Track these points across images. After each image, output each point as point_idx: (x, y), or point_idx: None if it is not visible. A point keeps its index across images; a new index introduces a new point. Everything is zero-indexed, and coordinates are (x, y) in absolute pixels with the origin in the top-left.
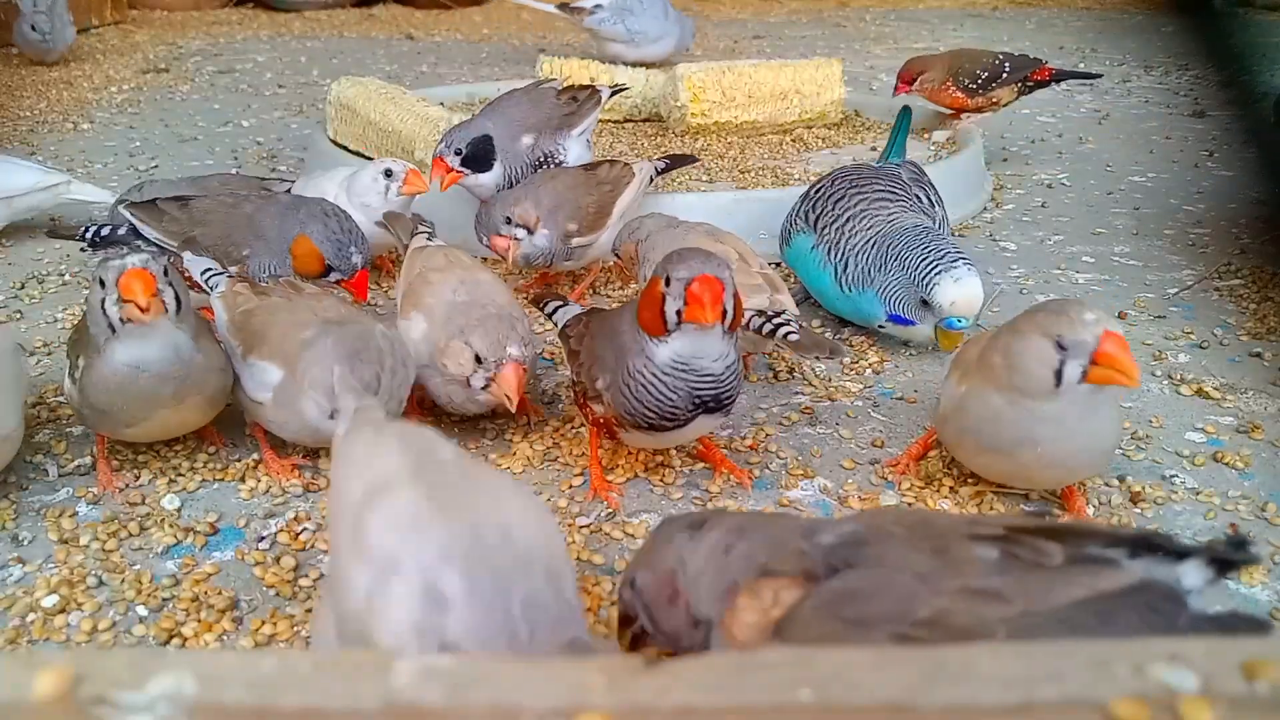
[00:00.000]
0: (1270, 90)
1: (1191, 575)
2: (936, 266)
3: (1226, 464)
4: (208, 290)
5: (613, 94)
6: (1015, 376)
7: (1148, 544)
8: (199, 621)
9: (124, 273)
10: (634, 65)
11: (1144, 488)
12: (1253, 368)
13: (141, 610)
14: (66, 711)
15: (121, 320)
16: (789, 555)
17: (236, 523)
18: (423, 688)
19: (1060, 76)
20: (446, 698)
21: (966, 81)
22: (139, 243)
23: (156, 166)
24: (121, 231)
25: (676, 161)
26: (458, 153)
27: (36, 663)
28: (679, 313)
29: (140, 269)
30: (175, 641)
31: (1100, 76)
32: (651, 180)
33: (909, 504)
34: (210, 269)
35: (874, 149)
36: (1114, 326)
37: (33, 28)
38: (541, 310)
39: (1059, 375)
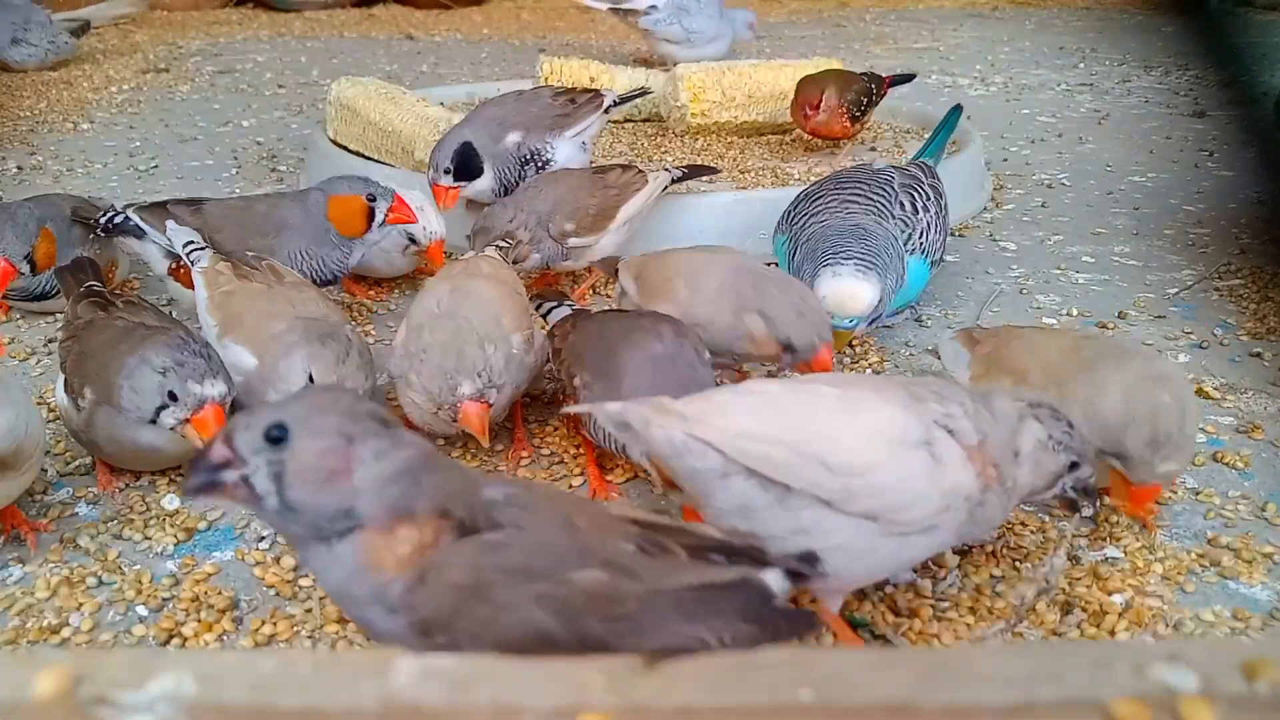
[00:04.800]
0: (1270, 90)
1: (774, 579)
2: (824, 262)
3: (1226, 464)
4: (189, 262)
5: (625, 100)
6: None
7: (746, 553)
8: (199, 621)
9: (204, 406)
10: (661, 68)
11: None
12: (1253, 368)
13: (141, 610)
14: (66, 711)
15: (170, 428)
16: (461, 502)
17: (236, 523)
18: (423, 687)
19: (895, 83)
20: (446, 697)
21: (853, 109)
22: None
23: (156, 166)
24: (131, 223)
25: (695, 171)
26: (446, 171)
27: (36, 663)
28: None
29: (220, 407)
30: (175, 641)
31: (915, 77)
32: (665, 189)
33: None
34: (191, 241)
35: (873, 149)
36: None
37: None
38: (538, 311)
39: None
